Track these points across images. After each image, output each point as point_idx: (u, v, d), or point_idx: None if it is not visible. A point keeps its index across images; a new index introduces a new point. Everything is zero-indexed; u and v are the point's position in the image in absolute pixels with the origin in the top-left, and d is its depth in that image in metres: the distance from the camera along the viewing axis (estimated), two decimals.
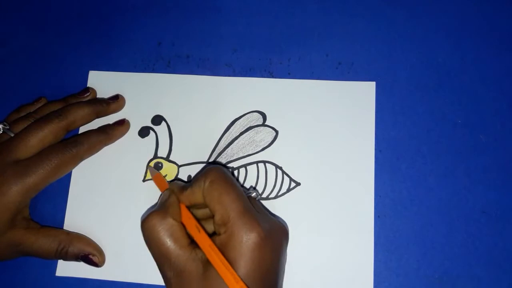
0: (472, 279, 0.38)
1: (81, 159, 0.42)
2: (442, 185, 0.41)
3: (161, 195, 0.38)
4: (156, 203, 0.39)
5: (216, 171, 0.35)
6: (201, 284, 0.32)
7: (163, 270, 0.34)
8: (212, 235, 0.35)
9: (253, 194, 0.38)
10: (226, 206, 0.33)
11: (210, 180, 0.34)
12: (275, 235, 0.34)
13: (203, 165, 0.43)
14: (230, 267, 0.31)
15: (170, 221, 0.34)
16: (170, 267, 0.33)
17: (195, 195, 0.35)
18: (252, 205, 0.35)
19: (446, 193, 0.41)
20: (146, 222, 0.34)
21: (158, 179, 0.41)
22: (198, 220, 0.36)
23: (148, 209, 0.42)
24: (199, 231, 0.34)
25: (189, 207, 0.37)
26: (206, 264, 0.33)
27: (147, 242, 0.35)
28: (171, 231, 0.34)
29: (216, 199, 0.34)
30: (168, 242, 0.33)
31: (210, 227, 0.38)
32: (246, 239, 0.32)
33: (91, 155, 0.43)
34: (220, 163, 0.43)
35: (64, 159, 0.40)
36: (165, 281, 0.34)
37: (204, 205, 0.36)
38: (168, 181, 0.41)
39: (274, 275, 0.34)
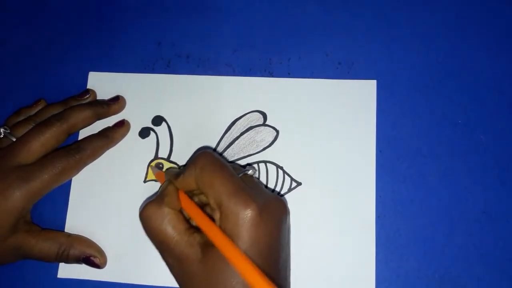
0: (472, 279, 0.39)
1: (84, 164, 0.42)
2: (442, 185, 0.41)
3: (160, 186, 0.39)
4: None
5: (205, 156, 0.35)
6: (202, 267, 0.32)
7: (165, 257, 0.35)
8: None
9: (250, 172, 0.38)
10: (217, 189, 0.33)
11: (200, 166, 0.34)
12: (272, 209, 0.34)
13: None
14: (231, 242, 0.31)
15: (165, 209, 0.34)
16: (170, 254, 0.34)
17: (188, 181, 0.35)
18: (246, 183, 0.35)
19: (446, 193, 0.41)
20: (143, 213, 0.35)
21: (160, 176, 0.41)
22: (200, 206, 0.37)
23: (145, 200, 0.42)
24: (198, 212, 0.34)
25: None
26: (206, 247, 0.33)
27: (146, 232, 0.35)
28: (168, 218, 0.34)
29: (207, 183, 0.34)
30: (165, 230, 0.34)
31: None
32: (242, 217, 0.32)
33: (94, 160, 0.43)
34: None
35: (68, 165, 0.40)
36: (168, 268, 0.35)
37: (200, 191, 0.36)
38: (164, 170, 0.42)
39: (276, 249, 0.34)
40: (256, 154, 0.43)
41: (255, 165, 0.43)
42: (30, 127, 0.41)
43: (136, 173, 0.44)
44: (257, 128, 0.44)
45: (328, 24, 0.46)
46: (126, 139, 0.44)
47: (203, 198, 0.38)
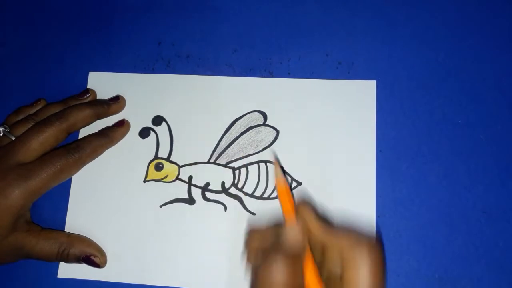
0: (472, 279, 0.39)
1: (84, 164, 0.42)
2: (442, 185, 0.41)
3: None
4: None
5: (378, 257, 0.31)
6: None
7: None
8: None
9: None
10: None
11: (369, 265, 0.30)
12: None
13: (204, 165, 0.43)
14: None
15: (297, 271, 0.31)
16: None
17: (340, 242, 0.32)
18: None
19: (446, 193, 0.41)
20: (272, 266, 0.30)
21: (281, 185, 0.37)
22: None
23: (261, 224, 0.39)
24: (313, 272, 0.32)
25: None
26: None
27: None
28: (294, 283, 0.30)
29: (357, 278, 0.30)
30: None
31: None
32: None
33: (93, 159, 0.43)
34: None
35: (67, 164, 0.40)
36: None
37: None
38: (296, 200, 0.39)
39: None
40: (256, 154, 0.43)
41: (255, 165, 0.43)
42: (30, 126, 0.41)
43: (136, 173, 0.44)
44: (257, 128, 0.44)
45: (328, 24, 0.46)
46: (126, 139, 0.44)
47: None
